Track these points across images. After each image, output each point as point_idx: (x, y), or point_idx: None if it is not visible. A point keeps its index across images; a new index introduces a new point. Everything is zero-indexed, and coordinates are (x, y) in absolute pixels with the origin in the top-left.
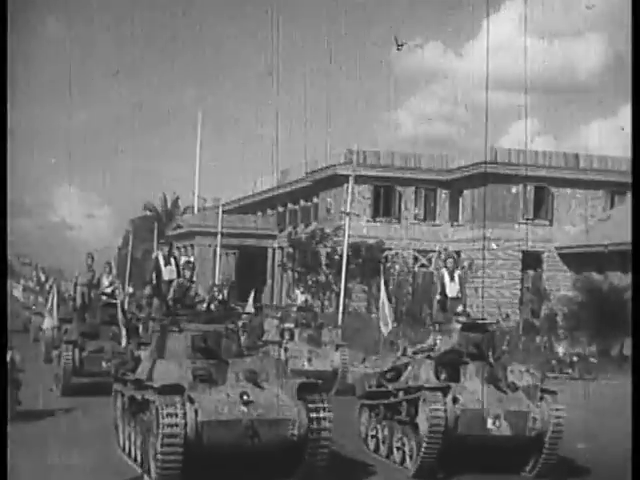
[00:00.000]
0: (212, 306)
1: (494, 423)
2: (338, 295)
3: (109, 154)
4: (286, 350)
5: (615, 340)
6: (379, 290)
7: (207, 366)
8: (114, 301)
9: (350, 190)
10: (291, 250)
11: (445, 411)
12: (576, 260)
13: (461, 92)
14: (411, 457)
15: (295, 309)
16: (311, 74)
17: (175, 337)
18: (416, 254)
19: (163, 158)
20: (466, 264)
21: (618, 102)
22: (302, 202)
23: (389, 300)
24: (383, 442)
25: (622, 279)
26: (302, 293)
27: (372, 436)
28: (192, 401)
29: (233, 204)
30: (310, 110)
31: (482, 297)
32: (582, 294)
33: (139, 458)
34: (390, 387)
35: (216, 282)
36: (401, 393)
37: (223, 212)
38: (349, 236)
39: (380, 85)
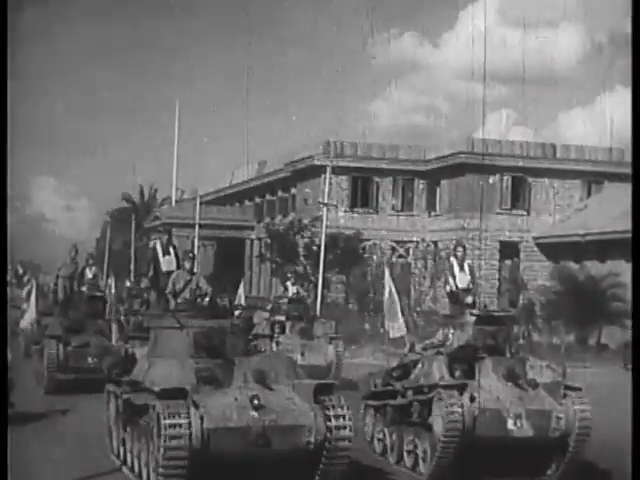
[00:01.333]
0: (218, 300)
1: (515, 423)
2: (316, 286)
3: (86, 145)
4: (278, 344)
5: (592, 329)
6: (384, 287)
7: (212, 366)
8: (99, 294)
9: (328, 181)
10: (269, 241)
11: (462, 410)
12: (553, 250)
13: (438, 83)
14: (424, 460)
15: (286, 301)
16: (288, 66)
17: (176, 334)
18: (394, 245)
19: (141, 149)
20: (443, 254)
21: (595, 91)
22: (280, 193)
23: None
24: (392, 446)
25: (599, 268)
26: (293, 284)
27: (379, 439)
28: (197, 406)
29: (211, 195)
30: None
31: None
32: (559, 283)
33: (136, 467)
34: (398, 386)
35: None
36: (410, 392)
37: (201, 203)
38: (327, 227)
39: (357, 76)
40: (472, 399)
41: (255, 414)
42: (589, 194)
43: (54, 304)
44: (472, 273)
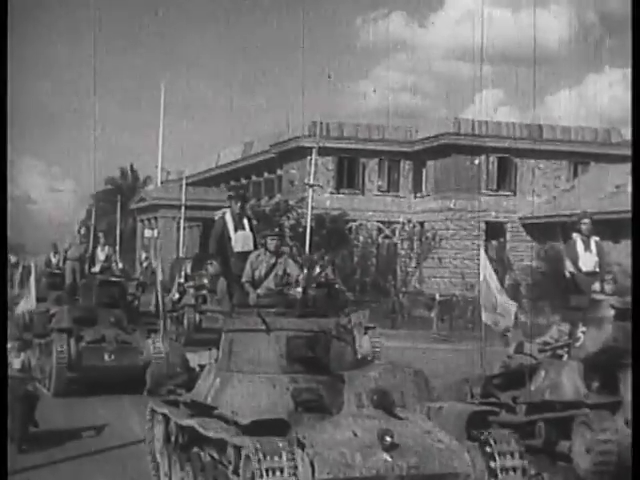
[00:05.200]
0: (300, 289)
1: None
2: (302, 267)
3: (71, 126)
4: None
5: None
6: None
7: (315, 385)
8: (114, 279)
9: (313, 162)
10: (255, 222)
11: (616, 439)
12: (539, 230)
13: (426, 63)
14: None
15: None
16: (274, 46)
17: (261, 340)
18: (380, 225)
19: (126, 130)
20: (430, 235)
21: (583, 72)
22: (266, 174)
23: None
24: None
25: None
26: (321, 266)
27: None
28: (302, 446)
29: (197, 176)
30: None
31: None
32: (546, 264)
33: None
34: (506, 398)
35: (180, 255)
36: (523, 407)
37: (187, 184)
38: (313, 208)
39: (344, 56)
40: (627, 423)
41: (388, 457)
42: (575, 175)
43: (48, 288)
44: (600, 253)
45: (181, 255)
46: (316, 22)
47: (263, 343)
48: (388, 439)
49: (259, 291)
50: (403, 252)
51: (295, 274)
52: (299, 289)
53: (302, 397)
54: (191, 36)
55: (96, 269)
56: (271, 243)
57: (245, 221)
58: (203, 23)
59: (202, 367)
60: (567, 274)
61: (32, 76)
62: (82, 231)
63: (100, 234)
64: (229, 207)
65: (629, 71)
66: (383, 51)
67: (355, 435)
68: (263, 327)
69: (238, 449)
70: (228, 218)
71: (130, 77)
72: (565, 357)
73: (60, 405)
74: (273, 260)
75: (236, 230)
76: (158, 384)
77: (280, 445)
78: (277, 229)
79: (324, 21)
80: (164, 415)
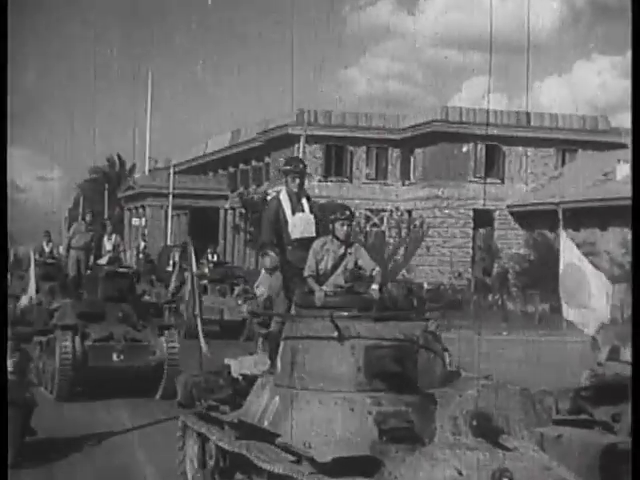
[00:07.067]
0: (377, 287)
1: None
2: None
3: (58, 114)
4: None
5: None
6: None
7: (404, 408)
8: (122, 270)
9: (301, 150)
10: (243, 211)
11: None
12: (528, 218)
13: (414, 51)
14: None
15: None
16: (262, 33)
17: (332, 351)
18: (368, 213)
19: (113, 119)
20: (418, 223)
21: (571, 59)
22: (254, 162)
23: None
24: None
25: (574, 236)
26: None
27: None
28: None
29: (185, 165)
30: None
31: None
32: (534, 252)
33: None
34: (601, 415)
35: (168, 243)
36: (624, 427)
37: (174, 173)
38: None
39: (332, 44)
40: None
41: None
42: (563, 162)
43: (42, 280)
44: None
45: (169, 243)
46: (304, 10)
47: (335, 354)
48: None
49: (325, 288)
50: (391, 240)
51: (369, 267)
52: (375, 286)
53: (389, 424)
54: (179, 24)
55: (103, 260)
56: (340, 229)
57: (304, 201)
58: (191, 10)
59: (245, 377)
60: None
61: (18, 64)
62: (88, 218)
63: (107, 221)
64: (285, 186)
65: (617, 59)
66: (371, 39)
67: (460, 474)
68: (335, 334)
69: None
70: (284, 198)
71: (117, 64)
72: None
73: (63, 410)
74: (342, 250)
75: (294, 213)
76: (194, 398)
77: None
78: (347, 212)
79: (312, 8)
80: (200, 434)
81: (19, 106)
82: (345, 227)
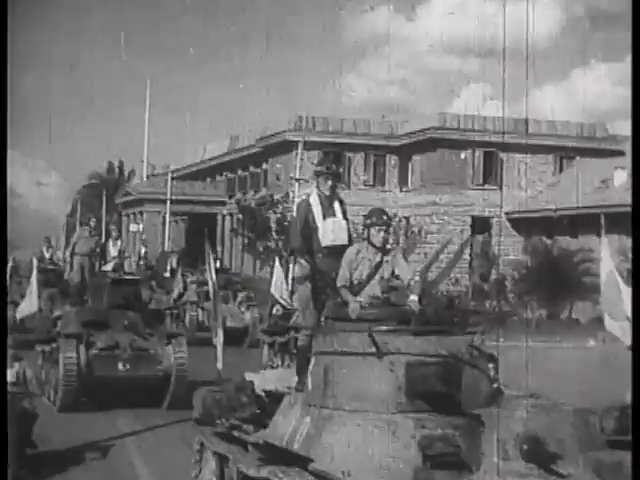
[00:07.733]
0: (416, 298)
1: None
2: (288, 261)
3: (56, 120)
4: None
5: (564, 303)
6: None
7: (450, 432)
8: (128, 277)
9: (299, 156)
10: (241, 217)
11: None
12: (525, 225)
13: (412, 57)
14: None
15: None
16: (262, 41)
17: (369, 368)
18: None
19: (112, 124)
20: (415, 229)
21: (570, 66)
22: (251, 168)
23: None
24: None
25: (571, 243)
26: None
27: None
28: None
29: (182, 170)
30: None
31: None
32: (531, 258)
33: None
34: None
35: (166, 249)
36: None
37: (172, 179)
38: None
39: (330, 50)
40: None
41: None
42: (561, 169)
43: (42, 286)
44: None
45: (167, 249)
46: (301, 15)
47: (373, 371)
48: None
49: (361, 299)
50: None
51: (408, 277)
52: (414, 297)
53: (435, 449)
54: (177, 31)
55: (108, 267)
56: (376, 235)
57: (337, 205)
58: (188, 16)
59: (268, 393)
60: None
61: (17, 70)
62: (92, 223)
63: (113, 227)
64: (317, 186)
65: (616, 66)
66: (369, 45)
67: None
68: (372, 349)
69: None
70: (314, 201)
71: (116, 71)
72: None
73: (66, 421)
74: (379, 258)
75: (325, 217)
76: (213, 416)
77: None
78: (385, 216)
79: (310, 14)
80: (220, 455)
81: (17, 111)
82: (382, 233)
